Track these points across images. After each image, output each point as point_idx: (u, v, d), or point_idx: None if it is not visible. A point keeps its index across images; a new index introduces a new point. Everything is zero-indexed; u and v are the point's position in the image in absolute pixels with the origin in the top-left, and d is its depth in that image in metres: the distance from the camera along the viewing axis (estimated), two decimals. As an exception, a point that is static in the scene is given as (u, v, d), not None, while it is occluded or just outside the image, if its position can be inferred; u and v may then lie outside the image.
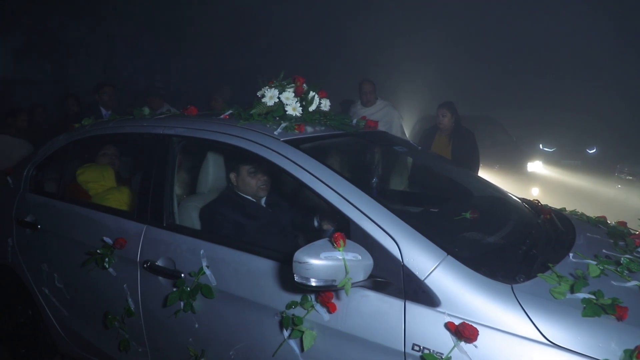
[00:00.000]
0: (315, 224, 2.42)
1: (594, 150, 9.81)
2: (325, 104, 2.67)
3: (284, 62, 15.10)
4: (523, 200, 2.74)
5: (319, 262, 1.45)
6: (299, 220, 2.52)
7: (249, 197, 2.43)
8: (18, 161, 4.52)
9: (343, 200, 1.73)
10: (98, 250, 2.24)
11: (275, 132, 2.09)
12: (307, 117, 2.48)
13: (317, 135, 2.26)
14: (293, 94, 2.47)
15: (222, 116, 2.39)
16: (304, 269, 1.44)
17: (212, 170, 2.53)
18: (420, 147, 2.85)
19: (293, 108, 2.45)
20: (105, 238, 2.24)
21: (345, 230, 1.70)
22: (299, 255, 1.45)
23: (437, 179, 3.00)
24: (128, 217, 2.33)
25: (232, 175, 2.44)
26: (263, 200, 2.49)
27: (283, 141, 2.02)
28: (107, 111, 4.85)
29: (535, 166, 8.29)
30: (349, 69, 12.61)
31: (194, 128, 2.26)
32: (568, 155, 9.43)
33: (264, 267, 1.81)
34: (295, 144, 2.01)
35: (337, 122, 2.57)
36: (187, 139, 2.26)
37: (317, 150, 2.18)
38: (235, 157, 2.44)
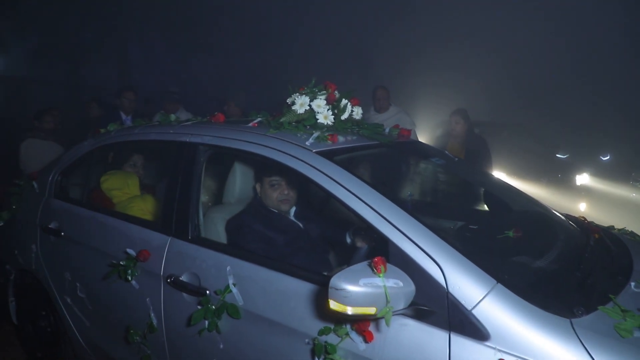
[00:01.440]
0: (348, 240, 2.29)
1: (608, 157, 9.31)
2: (357, 112, 2.55)
3: (298, 66, 15.09)
4: (567, 216, 2.56)
5: (357, 289, 1.32)
6: (330, 234, 2.40)
7: (275, 210, 2.32)
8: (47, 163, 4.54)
9: (381, 218, 1.61)
10: (121, 262, 2.16)
11: (306, 143, 1.98)
12: (339, 126, 2.36)
13: (351, 146, 2.14)
14: (325, 102, 2.35)
15: (250, 124, 2.29)
16: (341, 296, 1.32)
17: (239, 179, 2.43)
18: (457, 159, 2.70)
19: (324, 116, 2.33)
20: (128, 250, 2.15)
21: (383, 251, 1.57)
22: (336, 281, 1.33)
23: (472, 191, 2.85)
24: (152, 227, 2.24)
25: (258, 186, 2.34)
26: (292, 212, 2.38)
27: (315, 152, 1.90)
28: (126, 116, 4.81)
29: (584, 179, 7.39)
30: (363, 75, 12.46)
31: (221, 137, 2.16)
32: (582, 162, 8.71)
33: (294, 287, 1.69)
34: (328, 155, 1.90)
35: (370, 131, 2.45)
36: (214, 147, 2.17)
37: (352, 162, 2.06)
38: (261, 167, 2.34)
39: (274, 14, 14.96)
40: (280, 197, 2.27)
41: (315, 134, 2.07)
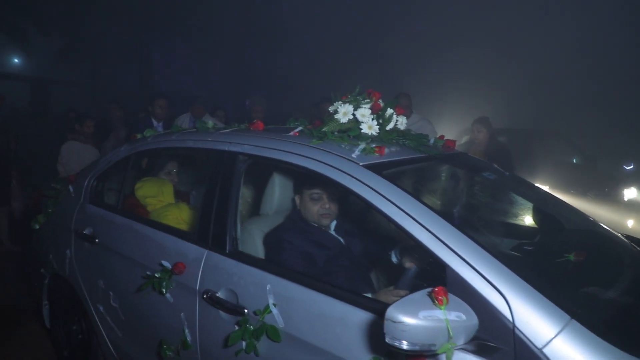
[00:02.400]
0: (394, 259, 2.15)
1: (632, 166, 8.76)
2: (402, 122, 2.42)
3: (318, 71, 14.99)
4: (628, 237, 2.37)
5: (417, 323, 1.19)
6: (373, 251, 2.27)
7: (315, 224, 2.21)
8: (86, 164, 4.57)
9: (437, 240, 1.47)
10: (156, 274, 2.08)
11: (353, 155, 1.86)
12: (384, 136, 2.24)
13: (400, 159, 2.01)
14: (369, 111, 2.23)
15: (291, 133, 2.19)
16: (398, 330, 1.20)
17: (278, 190, 2.33)
18: (507, 173, 2.54)
19: (369, 126, 2.21)
20: (163, 262, 2.08)
21: (439, 276, 1.44)
22: (392, 312, 1.21)
23: (521, 206, 2.67)
24: (188, 239, 2.16)
25: (297, 199, 2.23)
26: (333, 226, 2.26)
27: (363, 166, 1.78)
28: (158, 123, 4.80)
29: (632, 193, 6.71)
30: (383, 81, 12.25)
31: (262, 146, 2.06)
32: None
33: (341, 312, 1.57)
34: (377, 169, 1.77)
35: (416, 142, 2.32)
36: (254, 157, 2.07)
37: (401, 177, 1.93)
38: (302, 179, 2.23)
39: (294, 18, 14.92)
40: (321, 211, 2.16)
41: (361, 146, 1.95)
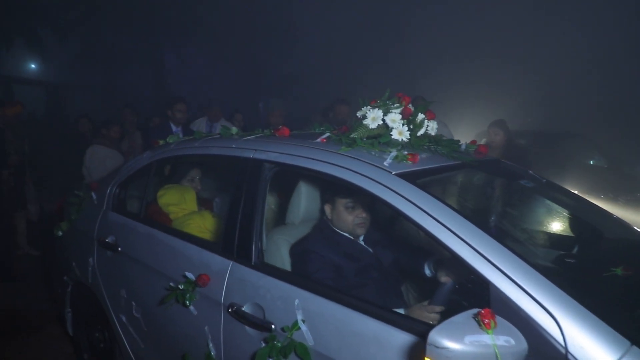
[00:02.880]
0: (427, 272, 2.05)
1: None
2: (433, 127, 2.32)
3: (330, 75, 14.89)
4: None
5: (462, 349, 1.10)
6: (404, 262, 2.17)
7: (346, 234, 2.12)
8: (110, 171, 4.57)
9: (478, 256, 1.37)
10: (179, 286, 2.02)
11: (384, 163, 1.77)
12: (415, 142, 2.15)
13: (434, 167, 1.91)
14: (400, 116, 2.14)
15: (319, 139, 2.11)
16: (442, 356, 1.10)
17: (305, 199, 2.25)
18: (544, 180, 2.41)
19: (399, 132, 2.12)
20: (187, 273, 2.01)
21: (481, 294, 1.34)
22: (435, 337, 1.11)
23: (556, 213, 2.55)
24: (212, 249, 2.10)
25: (327, 208, 2.14)
26: (361, 237, 2.17)
27: (396, 175, 1.69)
28: (177, 127, 4.76)
29: None
30: (398, 84, 12.06)
31: (289, 154, 1.99)
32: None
33: (374, 330, 1.48)
34: (410, 178, 1.68)
35: (448, 149, 2.22)
36: (281, 165, 2.00)
37: (436, 185, 1.83)
38: (332, 187, 2.15)
39: (306, 20, 14.87)
40: (356, 221, 2.07)
41: (393, 153, 1.86)
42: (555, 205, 2.44)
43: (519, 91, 11.61)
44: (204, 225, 2.57)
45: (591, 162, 7.31)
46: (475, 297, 1.52)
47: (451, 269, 1.86)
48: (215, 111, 5.67)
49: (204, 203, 2.93)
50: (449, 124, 5.45)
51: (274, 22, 14.83)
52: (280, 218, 2.59)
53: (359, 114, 2.28)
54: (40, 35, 11.65)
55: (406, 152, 1.88)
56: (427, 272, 2.03)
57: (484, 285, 1.34)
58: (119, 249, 2.54)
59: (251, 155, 2.09)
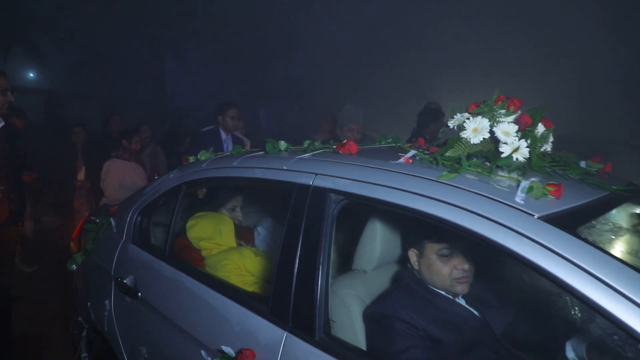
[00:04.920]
0: (571, 354, 1.42)
1: None
2: (549, 140, 1.71)
3: (337, 80, 14.24)
4: None
5: None
6: (526, 333, 1.55)
7: (442, 292, 1.52)
8: (129, 184, 4.09)
9: None
10: (215, 363, 1.48)
11: (517, 199, 1.18)
12: (536, 164, 1.53)
13: (587, 204, 1.29)
14: (516, 127, 1.54)
15: (402, 160, 1.53)
16: None
17: (381, 241, 1.66)
18: None
19: (514, 149, 1.51)
20: (224, 348, 1.47)
21: None
22: None
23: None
24: (258, 310, 1.54)
25: (412, 254, 1.55)
26: (460, 296, 1.57)
27: (540, 219, 1.10)
28: (227, 135, 4.24)
29: None
30: (412, 91, 11.26)
31: (365, 181, 1.41)
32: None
33: None
34: (566, 225, 1.08)
35: (576, 171, 1.61)
36: (354, 197, 1.43)
37: (595, 233, 1.21)
38: (419, 226, 1.55)
39: (310, 26, 14.33)
40: (455, 274, 1.48)
41: (525, 183, 1.26)
42: None
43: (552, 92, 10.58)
44: (243, 266, 2.01)
45: None
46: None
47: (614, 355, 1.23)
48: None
49: (241, 233, 2.37)
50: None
51: (276, 28, 14.39)
52: (341, 260, 2.01)
53: (451, 123, 1.69)
54: (38, 43, 11.62)
55: (535, 179, 1.28)
56: (571, 354, 1.39)
57: None
58: (139, 294, 2.03)
59: (310, 181, 1.53)
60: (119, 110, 6.08)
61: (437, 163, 1.46)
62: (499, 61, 11.73)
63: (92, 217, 2.68)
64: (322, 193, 1.48)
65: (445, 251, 1.48)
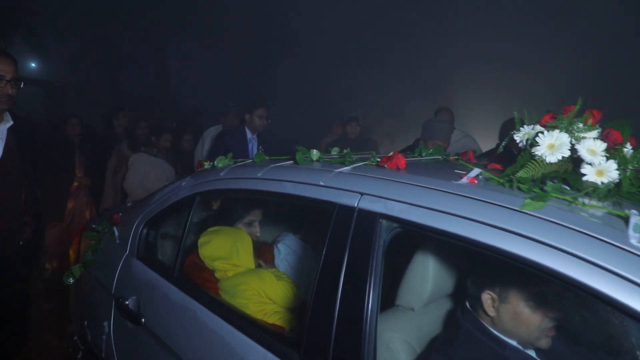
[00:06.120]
0: None
1: None
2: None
3: (347, 81, 13.96)
4: None
5: None
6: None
7: (513, 343, 1.25)
8: (154, 182, 3.82)
9: None
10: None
11: (632, 241, 0.92)
12: (627, 190, 1.27)
13: None
14: (604, 144, 1.28)
15: (465, 179, 1.27)
16: None
17: (434, 276, 1.39)
18: None
19: (600, 171, 1.25)
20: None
21: None
22: None
23: None
24: (284, 354, 1.27)
25: (487, 298, 1.28)
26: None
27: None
28: (252, 135, 3.99)
29: None
30: (422, 95, 10.91)
31: (427, 207, 1.15)
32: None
33: None
34: None
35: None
36: (411, 226, 1.16)
37: None
38: (503, 269, 1.28)
39: (318, 25, 14.08)
40: (545, 325, 1.21)
41: (634, 219, 0.99)
42: None
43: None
44: (264, 292, 1.75)
45: None
46: None
47: None
48: (232, 119, 4.76)
49: (260, 251, 2.09)
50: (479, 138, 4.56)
51: (278, 22, 14.17)
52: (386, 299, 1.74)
53: (517, 137, 1.43)
54: (39, 34, 11.47)
55: (636, 212, 1.02)
56: None
57: None
58: (142, 320, 1.77)
59: (355, 203, 1.27)
60: (124, 105, 5.76)
61: (512, 186, 1.20)
62: (513, 58, 11.37)
63: (93, 225, 2.43)
64: (370, 218, 1.22)
65: (533, 302, 1.21)
